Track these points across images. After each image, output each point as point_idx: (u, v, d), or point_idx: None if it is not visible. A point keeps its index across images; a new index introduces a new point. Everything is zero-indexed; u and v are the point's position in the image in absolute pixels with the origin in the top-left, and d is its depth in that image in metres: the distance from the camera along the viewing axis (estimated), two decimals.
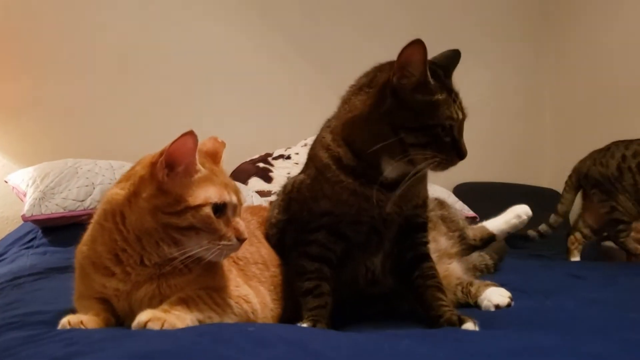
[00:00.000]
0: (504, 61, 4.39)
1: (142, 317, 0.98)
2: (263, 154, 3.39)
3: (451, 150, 1.16)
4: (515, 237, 2.92)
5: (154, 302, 1.07)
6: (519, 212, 1.77)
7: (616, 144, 2.89)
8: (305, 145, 3.35)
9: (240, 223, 1.10)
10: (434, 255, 1.37)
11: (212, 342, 0.81)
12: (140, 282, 1.08)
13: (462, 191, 3.86)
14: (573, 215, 3.38)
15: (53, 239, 2.53)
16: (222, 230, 1.06)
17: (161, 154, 1.05)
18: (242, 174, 3.26)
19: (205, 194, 1.06)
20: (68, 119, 3.20)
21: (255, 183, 3.16)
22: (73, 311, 1.16)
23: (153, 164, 1.06)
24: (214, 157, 1.15)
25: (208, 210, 1.05)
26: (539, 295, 1.54)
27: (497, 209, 3.85)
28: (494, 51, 4.34)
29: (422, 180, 1.28)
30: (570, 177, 3.10)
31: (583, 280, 1.74)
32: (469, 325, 1.16)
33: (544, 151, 4.51)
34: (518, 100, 4.44)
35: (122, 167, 2.76)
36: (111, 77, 3.30)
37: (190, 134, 1.04)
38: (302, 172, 1.36)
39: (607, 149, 2.93)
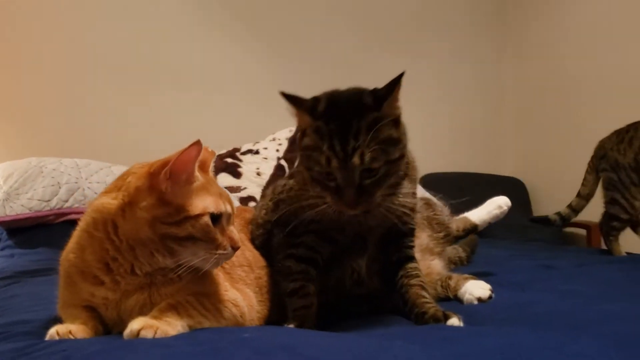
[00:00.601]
0: (464, 53, 4.45)
1: (135, 325, 0.97)
2: (231, 149, 3.36)
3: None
4: (536, 221, 3.01)
5: (144, 310, 1.06)
6: (499, 203, 1.81)
7: (636, 127, 2.64)
8: (274, 139, 3.35)
9: (234, 232, 1.10)
10: (417, 252, 1.39)
11: (213, 353, 0.81)
12: (130, 291, 1.08)
13: (430, 181, 3.90)
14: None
15: (19, 240, 2.49)
16: (219, 239, 1.06)
17: (164, 164, 1.04)
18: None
19: (203, 203, 1.06)
20: (29, 117, 3.15)
21: (224, 179, 3.14)
22: (57, 320, 1.14)
23: (153, 175, 1.05)
24: (203, 166, 1.14)
25: (207, 219, 1.05)
26: (514, 288, 1.57)
27: (465, 201, 3.95)
28: (455, 43, 4.40)
29: (400, 195, 1.27)
30: (591, 158, 2.90)
31: (554, 270, 1.79)
32: (454, 321, 1.18)
33: (506, 141, 4.59)
34: (480, 92, 4.51)
35: (87, 165, 2.73)
36: (73, 74, 3.25)
37: (197, 144, 1.04)
38: (292, 176, 1.37)
39: (627, 131, 2.68)
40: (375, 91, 1.18)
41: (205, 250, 1.06)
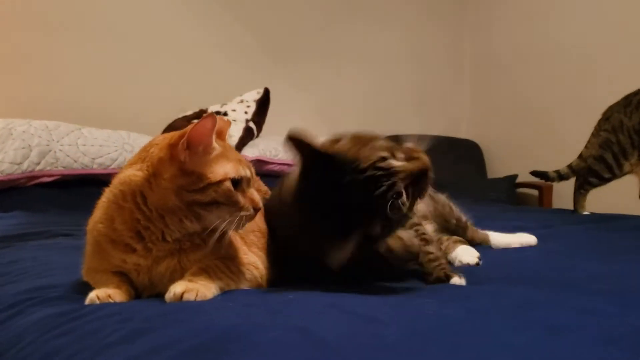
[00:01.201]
0: (425, 17, 4.52)
1: (177, 289, 1.01)
2: (197, 110, 3.35)
3: None
4: (534, 174, 3.08)
5: (175, 275, 1.10)
6: (524, 241, 1.80)
7: None
8: (242, 102, 3.36)
9: (255, 194, 1.15)
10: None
11: (271, 313, 0.87)
12: (161, 257, 1.11)
13: None
14: None
15: None
16: (241, 201, 1.11)
17: (181, 136, 1.07)
18: (177, 130, 3.23)
19: (224, 169, 1.10)
20: None
21: None
22: (83, 284, 1.17)
23: (172, 146, 1.08)
24: (220, 135, 1.18)
25: (228, 184, 1.09)
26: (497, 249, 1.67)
27: None
28: (417, 7, 4.46)
29: None
30: (598, 121, 2.89)
31: (529, 231, 1.88)
32: (456, 280, 1.26)
33: (463, 105, 4.72)
34: (439, 55, 4.60)
35: (57, 127, 2.69)
36: (39, 34, 3.16)
37: (211, 117, 1.07)
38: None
39: (635, 94, 2.70)
40: None
41: (230, 212, 1.11)
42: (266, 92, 3.41)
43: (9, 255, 1.67)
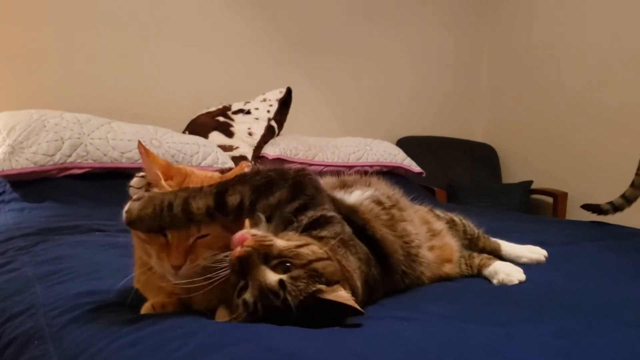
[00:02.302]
0: (442, 19, 4.54)
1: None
2: (220, 106, 3.41)
3: None
4: (586, 208, 2.94)
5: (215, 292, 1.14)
6: (534, 257, 1.78)
7: None
8: (265, 100, 3.41)
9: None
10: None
11: (328, 339, 0.92)
12: None
13: (405, 144, 4.04)
14: None
15: (23, 194, 2.50)
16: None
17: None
18: (201, 127, 3.28)
19: None
20: (24, 67, 3.11)
21: (217, 137, 3.19)
22: (131, 290, 1.22)
23: None
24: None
25: None
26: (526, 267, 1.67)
27: (437, 163, 4.12)
28: (434, 8, 4.49)
29: None
30: None
31: (550, 246, 1.90)
32: None
33: (478, 107, 4.76)
34: (457, 57, 4.63)
35: (88, 120, 2.75)
36: (67, 27, 3.21)
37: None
38: None
39: None
40: None
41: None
42: (288, 92, 3.46)
43: (52, 251, 1.72)
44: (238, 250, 1.02)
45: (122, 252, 1.60)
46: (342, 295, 1.00)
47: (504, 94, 4.60)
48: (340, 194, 1.37)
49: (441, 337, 0.97)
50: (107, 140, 2.70)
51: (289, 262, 1.02)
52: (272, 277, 0.99)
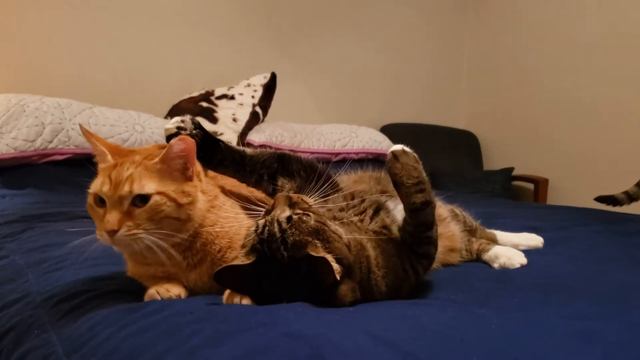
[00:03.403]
0: (425, 6, 4.52)
1: None
2: (203, 92, 3.35)
3: None
4: (600, 200, 2.83)
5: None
6: (531, 243, 1.76)
7: None
8: (249, 85, 3.36)
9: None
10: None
11: (346, 321, 0.90)
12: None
13: (388, 132, 4.03)
14: None
15: (4, 180, 2.45)
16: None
17: None
18: (184, 112, 3.14)
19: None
20: (2, 49, 3.01)
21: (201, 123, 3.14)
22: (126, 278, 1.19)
23: None
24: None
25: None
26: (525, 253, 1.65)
27: (420, 150, 4.11)
28: None
29: None
30: None
31: (542, 232, 1.90)
32: None
33: (461, 95, 4.75)
34: (439, 45, 4.62)
35: (69, 105, 2.68)
36: (47, 9, 3.11)
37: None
38: None
39: None
40: None
41: None
42: (273, 77, 3.41)
43: (39, 239, 1.68)
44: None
45: None
46: (327, 256, 1.01)
47: (486, 82, 4.61)
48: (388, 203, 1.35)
49: (459, 322, 0.95)
50: (89, 125, 2.64)
51: (309, 214, 1.09)
52: (287, 212, 1.08)
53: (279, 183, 1.31)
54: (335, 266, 0.99)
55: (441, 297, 1.17)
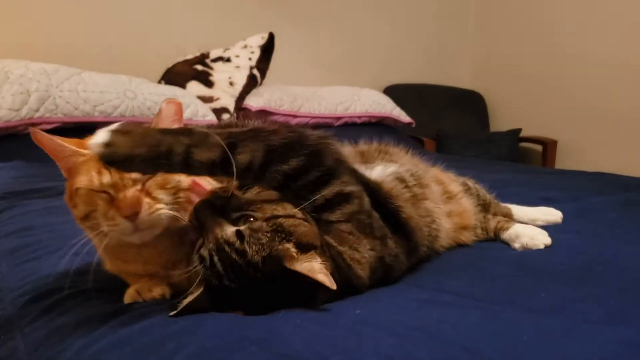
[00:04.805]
0: None
1: None
2: (198, 54, 3.19)
3: None
4: None
5: None
6: (550, 219, 1.62)
7: None
8: (246, 47, 3.21)
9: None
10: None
11: (354, 335, 0.78)
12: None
13: (392, 92, 3.89)
14: None
15: None
16: None
17: None
18: (178, 76, 3.07)
19: None
20: None
21: (195, 87, 3.00)
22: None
23: None
24: None
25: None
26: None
27: (425, 111, 3.98)
28: None
29: None
30: None
31: (558, 204, 1.78)
32: None
33: (465, 52, 4.58)
34: (444, 3, 4.42)
35: (56, 71, 2.55)
36: None
37: None
38: None
39: None
40: None
41: None
42: (271, 37, 3.25)
43: (20, 220, 1.56)
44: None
45: None
46: (313, 267, 0.87)
47: (492, 38, 4.44)
48: (361, 170, 1.19)
49: (485, 332, 0.82)
50: (78, 92, 2.50)
51: (251, 217, 0.91)
52: (229, 228, 0.90)
53: None
54: (321, 270, 0.87)
55: (455, 289, 1.03)
